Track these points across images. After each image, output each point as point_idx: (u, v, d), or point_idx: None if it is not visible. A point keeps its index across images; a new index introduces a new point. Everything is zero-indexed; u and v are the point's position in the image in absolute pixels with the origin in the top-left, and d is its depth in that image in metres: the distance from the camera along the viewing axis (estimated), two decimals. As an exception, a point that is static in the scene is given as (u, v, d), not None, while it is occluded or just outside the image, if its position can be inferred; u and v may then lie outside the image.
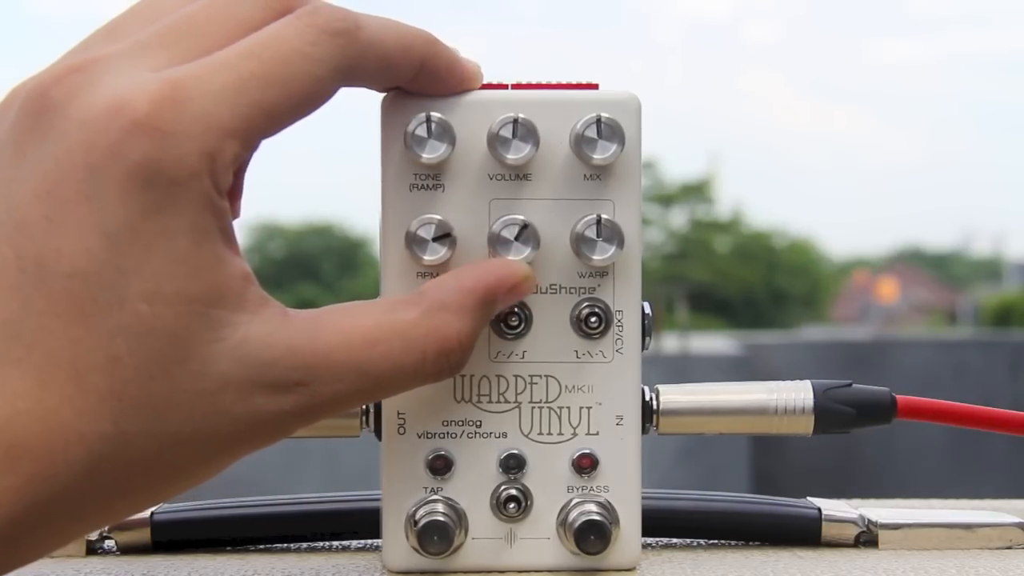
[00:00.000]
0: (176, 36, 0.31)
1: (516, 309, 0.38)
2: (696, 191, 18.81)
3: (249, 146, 0.30)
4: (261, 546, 0.45)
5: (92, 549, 0.44)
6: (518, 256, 0.37)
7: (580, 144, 0.38)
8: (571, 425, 0.39)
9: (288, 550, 0.44)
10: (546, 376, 0.39)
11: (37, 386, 0.27)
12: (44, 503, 0.27)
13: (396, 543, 0.39)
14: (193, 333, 0.29)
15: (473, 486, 0.39)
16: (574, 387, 0.39)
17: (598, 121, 0.38)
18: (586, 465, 0.39)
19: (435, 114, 0.37)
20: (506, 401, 0.39)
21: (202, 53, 0.31)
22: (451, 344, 0.33)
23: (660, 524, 0.44)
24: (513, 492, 0.39)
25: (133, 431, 0.28)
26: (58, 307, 0.28)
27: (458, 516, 0.38)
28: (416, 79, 0.36)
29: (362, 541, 0.45)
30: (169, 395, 0.28)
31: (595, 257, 0.38)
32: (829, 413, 0.42)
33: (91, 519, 0.29)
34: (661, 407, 0.41)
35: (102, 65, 0.30)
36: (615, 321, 0.39)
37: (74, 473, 0.27)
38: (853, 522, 0.44)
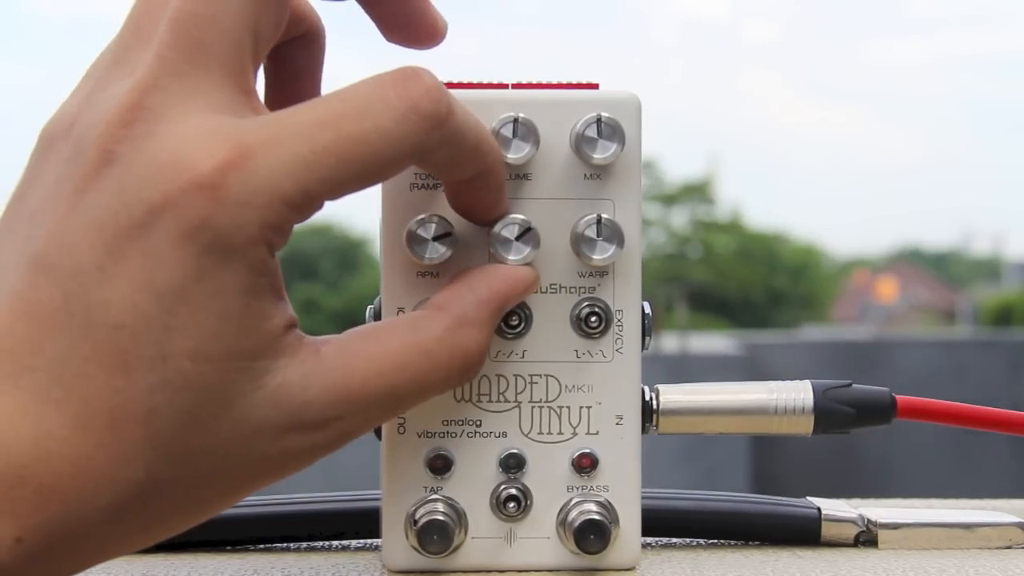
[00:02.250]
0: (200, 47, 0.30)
1: (516, 309, 0.38)
2: (696, 191, 18.81)
3: (308, 215, 0.30)
4: (261, 546, 0.45)
5: (92, 549, 0.44)
6: (518, 256, 0.37)
7: (580, 144, 0.38)
8: (571, 425, 0.39)
9: (288, 550, 0.44)
10: (546, 376, 0.39)
11: (73, 430, 0.27)
12: (67, 540, 0.28)
13: (396, 542, 0.39)
14: (234, 386, 0.29)
15: (473, 485, 0.39)
16: (574, 387, 0.39)
17: (598, 121, 0.38)
18: (586, 465, 0.39)
19: (435, 114, 0.37)
20: (506, 400, 0.39)
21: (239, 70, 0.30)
22: (473, 358, 0.34)
23: (660, 524, 0.44)
24: (513, 492, 0.39)
25: (164, 478, 0.28)
26: (101, 355, 0.28)
27: (458, 515, 0.38)
28: (463, 186, 0.35)
29: (362, 541, 0.45)
30: (204, 443, 0.29)
31: (595, 257, 0.38)
32: (829, 413, 0.42)
33: (111, 553, 0.29)
34: (661, 407, 0.41)
35: (159, 108, 0.29)
36: (615, 321, 0.39)
37: (101, 516, 0.28)
38: (853, 522, 0.44)
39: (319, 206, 0.30)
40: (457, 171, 0.34)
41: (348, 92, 0.30)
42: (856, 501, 0.48)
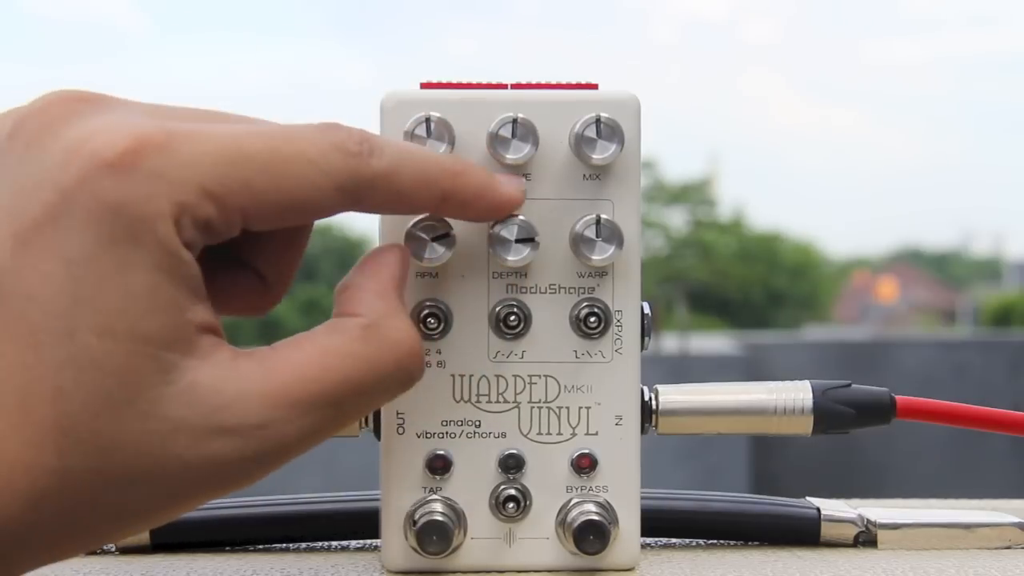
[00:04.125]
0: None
1: (516, 309, 0.38)
2: (696, 191, 18.81)
3: (226, 220, 0.30)
4: (260, 546, 0.45)
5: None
6: (517, 256, 0.37)
7: (579, 144, 0.38)
8: (570, 425, 0.39)
9: (287, 550, 0.44)
10: (545, 376, 0.39)
11: None
12: None
13: (395, 543, 0.39)
14: (141, 374, 0.28)
15: (472, 486, 0.39)
16: (573, 387, 0.39)
17: (597, 121, 0.38)
18: (585, 465, 0.39)
19: (435, 114, 0.37)
20: (505, 401, 0.39)
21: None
22: (401, 347, 0.32)
23: (659, 524, 0.44)
24: (512, 492, 0.39)
25: (78, 467, 0.28)
26: (12, 330, 0.27)
27: (457, 516, 0.38)
28: (439, 209, 0.35)
29: (361, 541, 0.45)
30: (115, 434, 0.28)
31: (594, 257, 0.38)
32: (828, 413, 0.42)
33: (35, 555, 0.29)
34: (660, 407, 0.41)
35: (107, 103, 0.30)
36: (614, 321, 0.39)
37: (18, 505, 0.27)
38: (852, 522, 0.44)
39: (237, 219, 0.30)
40: (416, 204, 0.34)
41: (280, 125, 0.32)
42: (856, 501, 0.48)
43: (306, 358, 0.31)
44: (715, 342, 8.71)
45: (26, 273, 0.28)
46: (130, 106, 0.31)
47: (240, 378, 0.30)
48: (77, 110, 0.30)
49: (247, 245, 0.34)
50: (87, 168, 0.28)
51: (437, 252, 0.37)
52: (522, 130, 0.37)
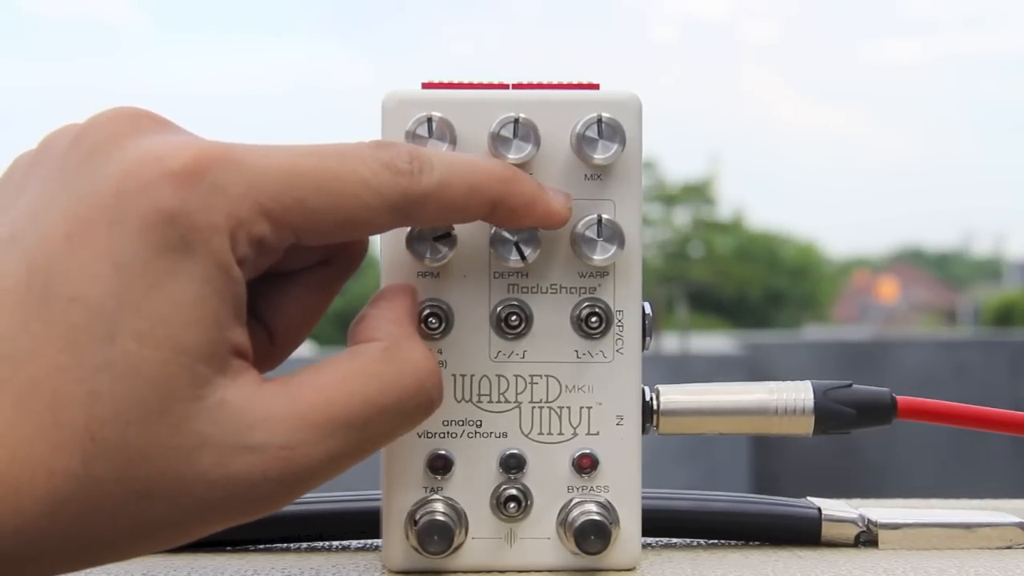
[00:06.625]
0: None
1: (517, 309, 0.38)
2: (697, 191, 18.81)
3: (279, 237, 0.30)
4: (261, 546, 0.45)
5: (92, 549, 0.44)
6: (518, 256, 0.37)
7: (581, 144, 0.38)
8: (571, 425, 0.39)
9: (288, 550, 0.44)
10: (546, 376, 0.39)
11: (14, 410, 0.27)
12: (2, 537, 0.27)
13: (396, 543, 0.39)
14: (175, 384, 0.28)
15: (473, 486, 0.39)
16: (574, 387, 0.39)
17: (599, 121, 0.38)
18: (586, 465, 0.39)
19: (436, 114, 0.37)
20: (506, 401, 0.39)
21: None
22: (421, 368, 0.33)
23: (660, 524, 0.44)
24: (513, 492, 0.39)
25: (102, 476, 0.27)
26: (52, 331, 0.27)
27: (458, 516, 0.38)
28: (489, 217, 0.35)
29: (362, 541, 0.45)
30: (142, 445, 0.28)
31: (596, 257, 0.38)
32: (829, 413, 0.42)
33: (48, 565, 0.28)
34: (661, 407, 0.41)
35: (171, 125, 0.31)
36: (615, 321, 0.39)
37: (37, 510, 0.27)
38: (853, 522, 0.44)
39: (290, 237, 0.31)
40: (467, 215, 0.34)
41: (333, 144, 0.32)
42: (856, 501, 0.48)
43: (329, 381, 0.31)
44: (716, 342, 8.71)
45: (74, 274, 0.28)
46: (190, 132, 0.31)
47: (267, 400, 0.30)
48: (143, 125, 0.30)
49: (268, 291, 0.34)
50: (150, 176, 0.29)
51: (439, 252, 0.37)
52: (523, 130, 0.37)
